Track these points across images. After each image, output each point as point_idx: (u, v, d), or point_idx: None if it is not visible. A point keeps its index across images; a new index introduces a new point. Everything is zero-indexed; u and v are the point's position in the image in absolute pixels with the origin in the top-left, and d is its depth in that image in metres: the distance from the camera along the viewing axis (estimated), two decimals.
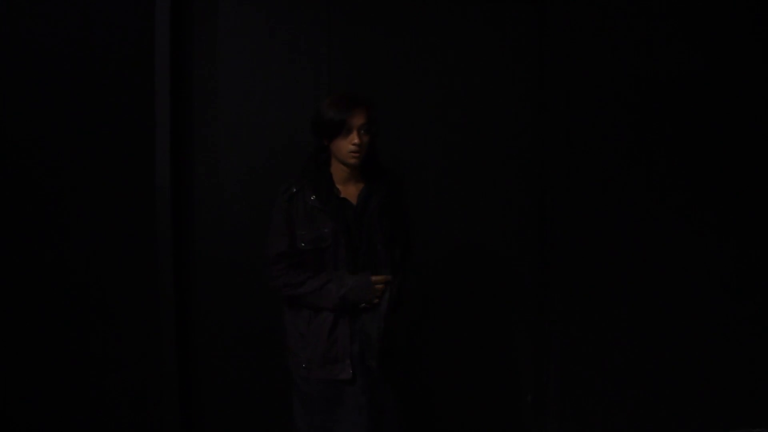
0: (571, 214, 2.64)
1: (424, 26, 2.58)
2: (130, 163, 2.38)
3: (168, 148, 2.36)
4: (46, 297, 2.38)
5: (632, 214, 2.68)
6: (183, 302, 2.47)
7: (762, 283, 2.77)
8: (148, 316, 2.40)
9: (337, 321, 1.90)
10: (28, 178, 2.35)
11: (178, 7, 2.38)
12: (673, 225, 2.71)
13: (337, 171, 1.91)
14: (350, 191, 1.92)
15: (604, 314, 2.68)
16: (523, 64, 2.66)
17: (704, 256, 2.74)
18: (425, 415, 2.65)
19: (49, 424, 2.40)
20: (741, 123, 2.74)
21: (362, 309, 1.90)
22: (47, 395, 2.40)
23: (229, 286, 2.50)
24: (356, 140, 1.82)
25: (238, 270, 2.49)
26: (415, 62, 2.58)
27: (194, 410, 2.52)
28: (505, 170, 2.67)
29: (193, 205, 2.48)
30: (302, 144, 2.30)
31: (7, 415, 2.39)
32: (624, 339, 2.70)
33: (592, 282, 2.67)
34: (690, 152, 2.71)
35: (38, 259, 2.36)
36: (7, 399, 2.38)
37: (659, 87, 2.67)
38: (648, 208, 2.69)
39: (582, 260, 2.65)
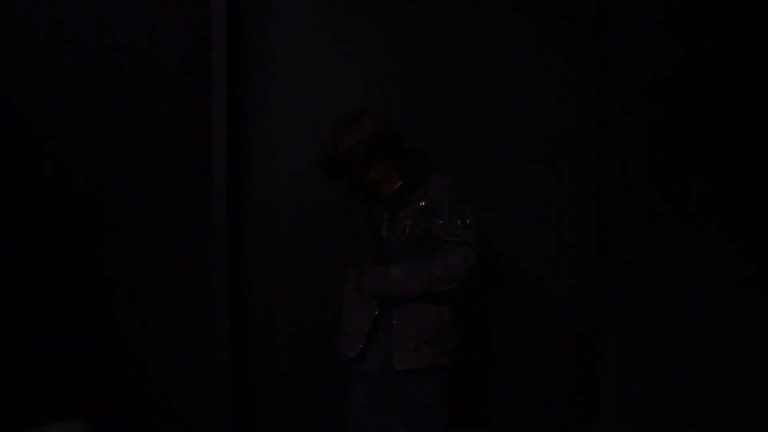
0: (628, 215, 2.54)
1: (480, 25, 2.55)
2: (187, 162, 2.45)
3: (225, 148, 2.42)
4: (103, 292, 2.48)
5: (693, 216, 2.54)
6: (238, 298, 2.54)
7: None
8: (204, 313, 2.48)
9: (371, 302, 1.95)
10: (86, 176, 2.44)
11: (234, 9, 2.45)
12: (735, 230, 2.54)
13: None
14: (391, 185, 1.96)
15: (661, 314, 2.56)
16: (581, 65, 2.57)
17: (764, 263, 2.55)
18: (475, 414, 2.63)
19: (106, 417, 2.49)
20: None
21: (398, 304, 1.92)
22: (106, 387, 2.50)
23: (284, 282, 2.56)
24: (349, 192, 1.96)
25: (294, 266, 2.55)
26: (469, 62, 2.55)
27: (248, 405, 2.60)
28: (560, 170, 2.59)
29: (249, 202, 2.54)
30: None
31: (61, 405, 2.49)
32: (681, 340, 2.57)
33: (649, 282, 2.55)
34: (761, 153, 2.52)
35: (95, 256, 2.46)
36: (62, 391, 2.49)
37: (725, 83, 2.51)
38: (710, 210, 2.54)
39: (638, 262, 2.54)
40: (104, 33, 2.43)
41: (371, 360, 1.98)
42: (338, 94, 2.53)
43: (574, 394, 2.66)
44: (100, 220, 2.47)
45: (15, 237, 2.45)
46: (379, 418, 1.98)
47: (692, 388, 2.58)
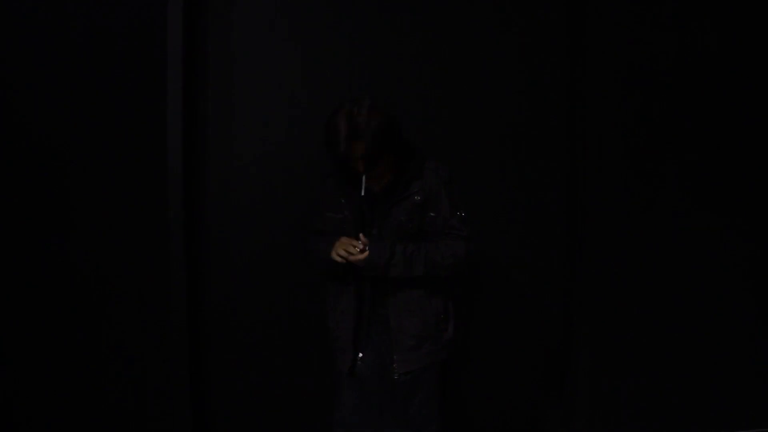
0: (601, 212, 2.53)
1: (446, 11, 2.46)
2: (141, 150, 2.32)
3: (180, 133, 2.28)
4: (53, 289, 2.32)
5: (669, 212, 2.54)
6: (195, 294, 2.40)
7: None
8: (158, 309, 2.34)
9: (351, 308, 1.88)
10: (38, 168, 2.29)
11: None
12: (714, 226, 2.56)
13: None
14: (380, 181, 1.87)
15: (634, 314, 2.57)
16: (553, 52, 2.51)
17: (744, 259, 2.59)
18: (449, 417, 2.56)
19: (58, 421, 2.35)
20: None
21: (394, 304, 1.86)
22: (57, 391, 2.35)
23: (244, 276, 2.44)
24: (361, 170, 1.77)
25: (253, 259, 2.44)
26: (433, 46, 2.46)
27: (206, 406, 2.46)
28: (533, 167, 2.54)
29: (206, 195, 2.41)
30: (318, 130, 2.16)
31: (18, 411, 2.34)
32: (656, 340, 2.59)
33: (623, 280, 2.56)
34: (741, 148, 2.53)
35: (46, 250, 2.31)
36: (17, 395, 2.34)
37: (702, 70, 2.50)
38: (687, 205, 2.54)
39: (613, 260, 2.54)
40: (54, 10, 2.24)
41: (364, 362, 1.91)
42: (299, 75, 2.43)
43: (548, 394, 2.65)
44: (44, 216, 2.30)
45: None
46: (370, 419, 1.93)
47: (669, 387, 2.61)
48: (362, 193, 1.79)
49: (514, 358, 2.60)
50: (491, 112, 2.51)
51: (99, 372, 2.37)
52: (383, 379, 1.89)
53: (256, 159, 2.42)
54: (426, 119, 2.47)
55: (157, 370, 2.37)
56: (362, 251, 1.79)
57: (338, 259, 1.80)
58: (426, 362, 1.88)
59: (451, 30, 2.48)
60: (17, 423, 2.33)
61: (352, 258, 1.78)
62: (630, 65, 2.51)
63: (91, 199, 2.32)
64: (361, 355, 1.90)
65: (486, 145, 2.51)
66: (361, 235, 1.81)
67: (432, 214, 1.87)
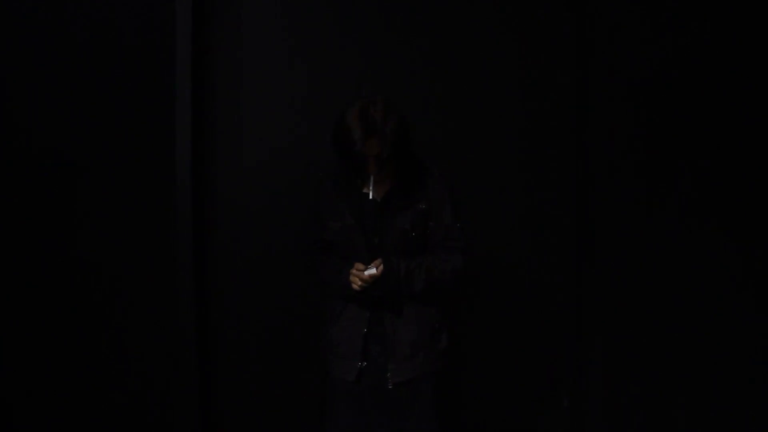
0: (613, 213, 2.51)
1: (457, 19, 2.46)
2: (149, 156, 2.34)
3: (189, 139, 2.30)
4: (65, 293, 2.35)
5: (679, 216, 2.52)
6: (203, 297, 2.41)
7: None
8: (167, 313, 2.36)
9: (359, 317, 1.86)
10: (47, 171, 2.32)
11: None
12: (725, 230, 2.53)
13: None
14: (381, 188, 1.84)
15: (647, 314, 2.55)
16: (564, 60, 2.49)
17: (756, 262, 2.55)
18: (455, 418, 2.52)
19: (67, 422, 2.38)
20: None
21: (389, 312, 1.84)
22: (68, 393, 2.37)
23: (251, 280, 2.45)
24: (372, 170, 1.74)
25: (261, 264, 2.44)
26: (444, 55, 2.45)
27: (213, 409, 2.47)
28: (542, 172, 2.52)
29: (215, 198, 2.42)
30: (326, 133, 2.15)
31: (27, 412, 2.37)
32: (668, 340, 2.56)
33: (635, 281, 2.54)
34: (756, 153, 2.51)
35: (57, 254, 2.34)
36: (27, 395, 2.37)
37: (712, 78, 2.48)
38: (697, 207, 2.52)
39: (624, 260, 2.53)
40: (65, 16, 2.29)
41: (363, 375, 1.88)
42: (307, 80, 2.43)
43: (558, 397, 2.62)
44: (54, 219, 2.34)
45: None
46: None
47: (683, 392, 2.58)
48: (370, 196, 1.77)
49: (524, 363, 2.57)
50: (502, 118, 2.49)
51: (109, 376, 2.40)
52: (379, 391, 1.86)
53: (265, 163, 2.43)
54: (436, 125, 2.45)
55: (165, 374, 2.39)
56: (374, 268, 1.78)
57: (359, 288, 1.80)
58: (420, 372, 1.86)
59: (458, 36, 2.46)
60: (24, 423, 2.37)
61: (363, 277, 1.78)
62: (640, 70, 2.49)
63: (101, 205, 2.35)
64: (365, 363, 1.86)
65: (495, 150, 2.49)
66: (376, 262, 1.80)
67: (433, 222, 1.86)
